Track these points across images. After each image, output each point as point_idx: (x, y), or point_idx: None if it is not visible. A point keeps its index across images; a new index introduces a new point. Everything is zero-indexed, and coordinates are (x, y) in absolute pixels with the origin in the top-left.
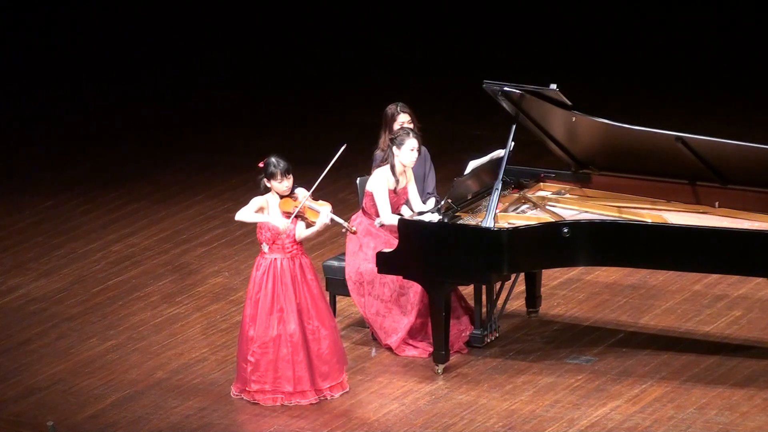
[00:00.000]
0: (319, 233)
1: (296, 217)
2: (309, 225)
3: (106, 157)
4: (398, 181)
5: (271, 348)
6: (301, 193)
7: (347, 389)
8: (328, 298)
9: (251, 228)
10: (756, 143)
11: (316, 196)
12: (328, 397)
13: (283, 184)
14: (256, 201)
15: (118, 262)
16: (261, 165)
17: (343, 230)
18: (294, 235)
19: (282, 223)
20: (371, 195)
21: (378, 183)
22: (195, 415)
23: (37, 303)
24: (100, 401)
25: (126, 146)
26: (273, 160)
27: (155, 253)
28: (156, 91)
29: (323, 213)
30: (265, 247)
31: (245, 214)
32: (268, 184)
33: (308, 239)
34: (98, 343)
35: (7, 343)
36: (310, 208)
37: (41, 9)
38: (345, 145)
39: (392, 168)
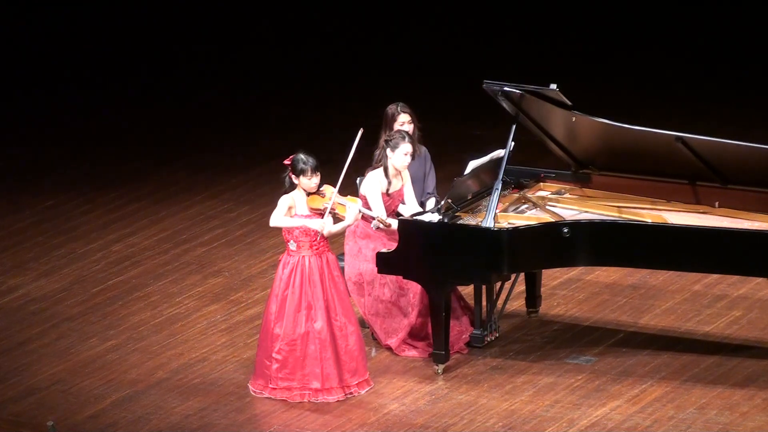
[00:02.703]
0: (347, 227)
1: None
2: (337, 220)
3: (106, 157)
4: (391, 183)
5: (299, 345)
6: (328, 189)
7: (372, 385)
8: None
9: (251, 228)
10: (756, 143)
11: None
12: (355, 394)
13: (312, 181)
14: (285, 201)
15: (118, 262)
16: (287, 162)
17: (376, 221)
18: (323, 231)
19: (319, 225)
20: (365, 198)
21: (370, 186)
22: (195, 415)
23: (37, 303)
24: (100, 401)
25: (126, 146)
26: (302, 156)
27: (155, 253)
28: (156, 92)
29: (353, 206)
30: (293, 245)
31: (279, 219)
32: (296, 181)
33: (337, 234)
34: (98, 343)
35: (7, 343)
36: (340, 204)
37: (41, 9)
38: (362, 130)
39: (385, 170)
